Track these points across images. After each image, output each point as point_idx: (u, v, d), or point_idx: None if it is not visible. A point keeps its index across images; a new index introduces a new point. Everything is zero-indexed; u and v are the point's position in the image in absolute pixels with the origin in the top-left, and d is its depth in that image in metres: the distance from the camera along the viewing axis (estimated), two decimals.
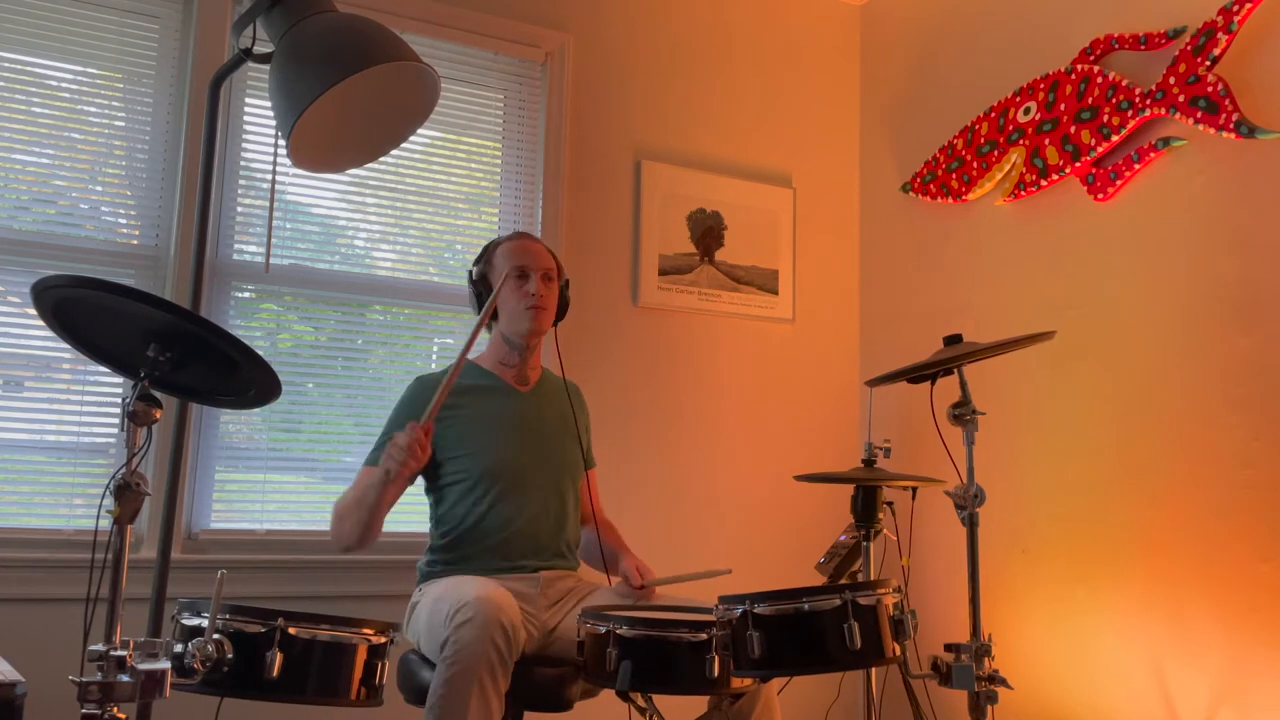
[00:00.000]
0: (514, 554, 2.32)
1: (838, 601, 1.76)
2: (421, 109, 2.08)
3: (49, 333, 2.17)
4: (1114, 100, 2.72)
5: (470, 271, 2.46)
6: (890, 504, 2.53)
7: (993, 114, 3.12)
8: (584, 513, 2.55)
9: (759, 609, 1.77)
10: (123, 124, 2.74)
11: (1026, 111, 3.00)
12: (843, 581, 2.56)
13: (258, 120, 2.88)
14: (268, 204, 2.87)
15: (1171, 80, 2.57)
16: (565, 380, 2.54)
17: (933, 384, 2.20)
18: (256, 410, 2.84)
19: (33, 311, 2.47)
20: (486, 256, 2.45)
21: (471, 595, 1.96)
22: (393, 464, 2.10)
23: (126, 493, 1.48)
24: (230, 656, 1.55)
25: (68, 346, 1.90)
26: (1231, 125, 2.43)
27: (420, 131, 2.60)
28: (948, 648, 1.96)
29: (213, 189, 2.21)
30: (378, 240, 3.04)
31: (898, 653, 1.82)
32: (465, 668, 1.89)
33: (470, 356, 2.50)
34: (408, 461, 2.10)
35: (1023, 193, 3.00)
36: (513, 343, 2.42)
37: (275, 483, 2.85)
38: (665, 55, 3.45)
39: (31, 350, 2.60)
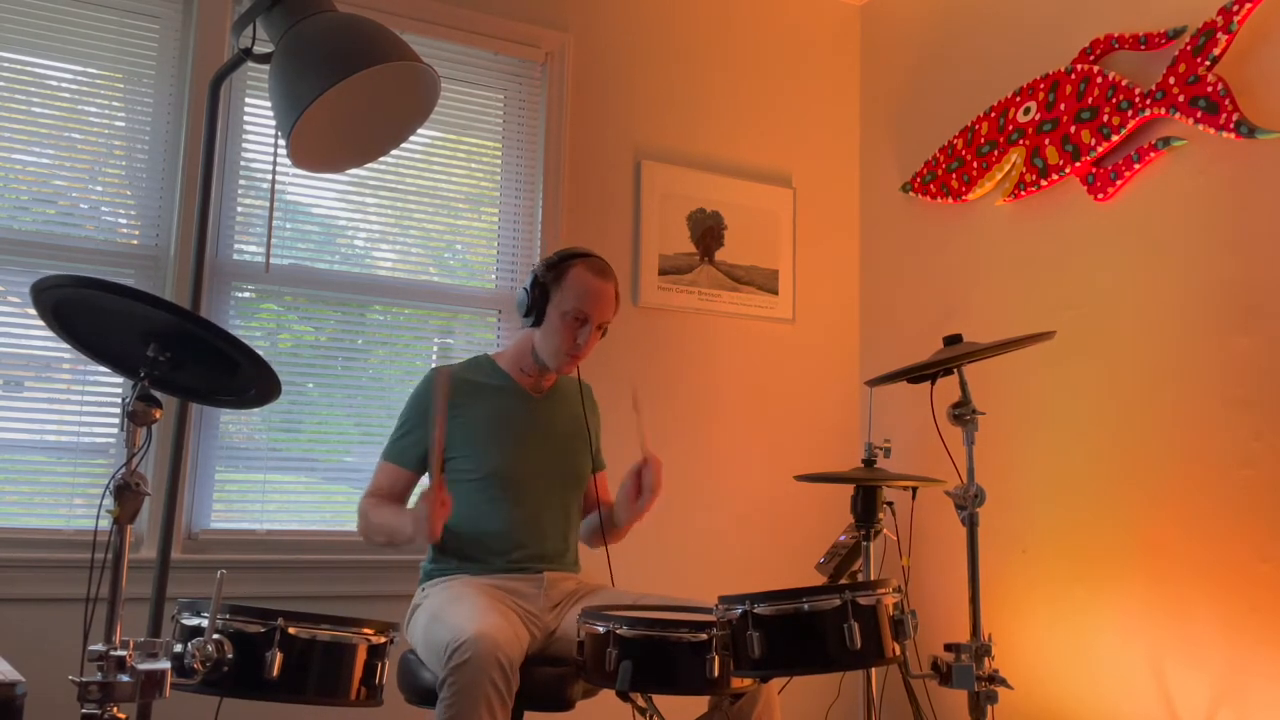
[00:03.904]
0: (517, 556, 2.32)
1: (838, 601, 1.76)
2: (421, 109, 2.08)
3: (49, 333, 2.17)
4: (1114, 100, 2.72)
5: (535, 271, 2.37)
6: (890, 504, 2.53)
7: (993, 114, 3.12)
8: (589, 507, 2.54)
9: (759, 609, 1.77)
10: (123, 124, 2.74)
11: (1026, 111, 3.00)
12: (843, 581, 2.56)
13: (258, 120, 2.88)
14: (268, 204, 2.87)
15: (1171, 80, 2.57)
16: (581, 384, 2.53)
17: (933, 384, 2.20)
18: (256, 410, 2.84)
19: (33, 311, 2.47)
20: (562, 271, 2.34)
21: (469, 632, 1.92)
22: (422, 534, 2.15)
23: (126, 493, 1.48)
24: (230, 656, 1.55)
25: (68, 346, 1.90)
26: (1231, 125, 2.43)
27: (420, 131, 2.60)
28: (948, 648, 1.96)
29: (213, 189, 2.21)
30: (378, 240, 3.04)
31: (898, 653, 1.82)
32: (464, 710, 1.88)
33: (490, 351, 2.50)
34: (433, 532, 2.14)
35: (1023, 193, 3.00)
36: (539, 361, 2.40)
37: (275, 483, 2.85)
38: (665, 55, 3.45)
39: (31, 350, 2.60)
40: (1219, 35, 2.47)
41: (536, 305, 2.35)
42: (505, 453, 2.35)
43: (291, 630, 1.61)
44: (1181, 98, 2.55)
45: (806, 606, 1.75)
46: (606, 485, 2.59)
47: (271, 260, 2.87)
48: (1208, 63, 2.49)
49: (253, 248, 2.86)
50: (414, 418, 2.37)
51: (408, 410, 2.40)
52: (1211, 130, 2.48)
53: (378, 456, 2.41)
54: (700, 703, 2.16)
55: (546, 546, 2.36)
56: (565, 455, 2.44)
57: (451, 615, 2.03)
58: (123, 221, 2.74)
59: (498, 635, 1.94)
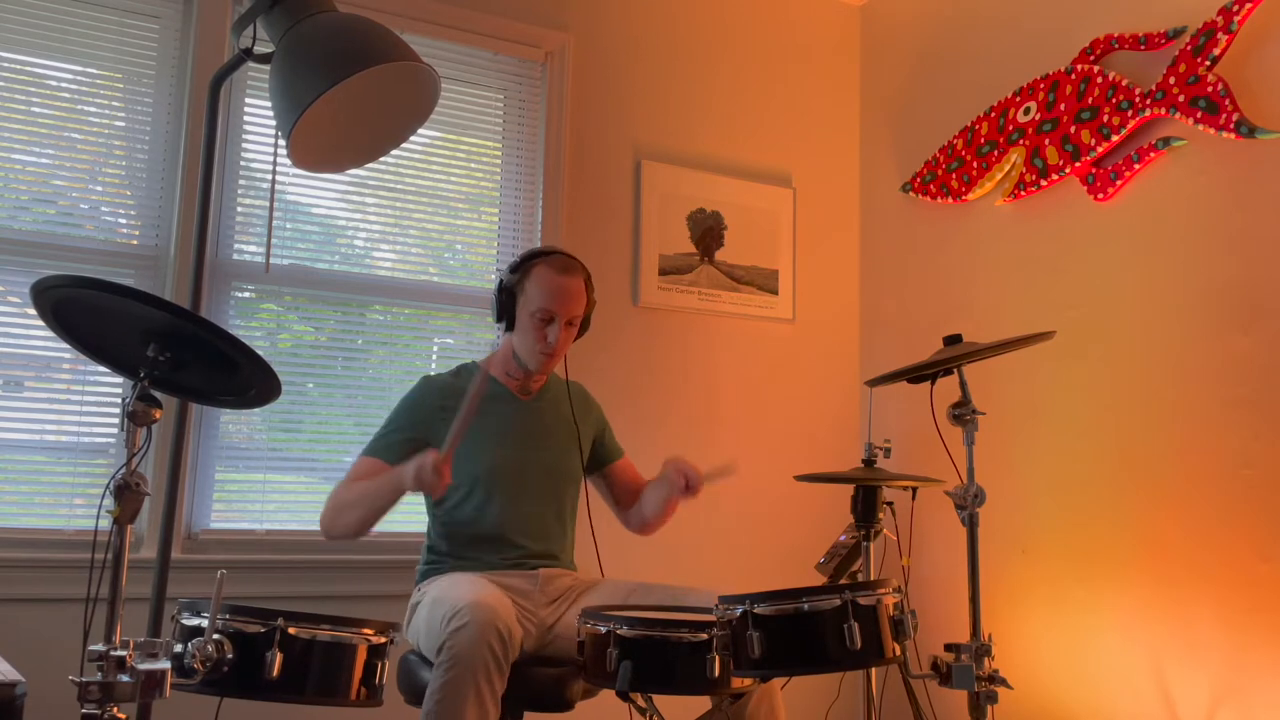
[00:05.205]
0: (511, 555, 2.33)
1: (838, 601, 1.76)
2: (421, 109, 2.08)
3: (49, 333, 2.17)
4: (1114, 100, 2.72)
5: (500, 276, 2.38)
6: (890, 504, 2.53)
7: (993, 114, 3.12)
8: (631, 493, 2.54)
9: (759, 609, 1.77)
10: (123, 124, 2.74)
11: (1026, 111, 3.00)
12: (843, 581, 2.56)
13: (258, 120, 2.88)
14: (268, 204, 2.87)
15: (1171, 80, 2.57)
16: (569, 385, 2.55)
17: (933, 384, 2.20)
18: (256, 410, 2.84)
19: (33, 311, 2.47)
20: (525, 272, 2.35)
21: (467, 600, 1.95)
22: (423, 486, 2.08)
23: (126, 493, 1.48)
24: (230, 656, 1.55)
25: (68, 346, 1.90)
26: (1231, 125, 2.43)
27: (420, 131, 2.60)
28: (948, 648, 1.96)
29: (213, 189, 2.21)
30: (378, 240, 3.04)
31: (898, 653, 1.82)
32: (461, 673, 1.89)
33: (478, 359, 2.51)
34: (436, 487, 2.07)
35: (1023, 193, 3.00)
36: (520, 363, 2.41)
37: (275, 483, 2.85)
38: (665, 55, 3.46)
39: (31, 350, 2.60)
40: (1219, 35, 2.47)
41: (505, 309, 2.36)
42: (496, 455, 2.36)
43: (291, 630, 1.61)
44: (1181, 98, 2.55)
45: (806, 606, 1.75)
46: (634, 469, 2.58)
47: (271, 260, 2.87)
48: (1208, 63, 2.49)
49: (252, 248, 2.86)
50: (403, 419, 2.36)
51: (398, 412, 2.38)
52: (1211, 130, 2.48)
53: None
54: (700, 703, 2.16)
55: (540, 545, 2.37)
56: (555, 455, 2.44)
57: (450, 595, 2.05)
58: (123, 221, 2.74)
59: (496, 605, 1.97)
